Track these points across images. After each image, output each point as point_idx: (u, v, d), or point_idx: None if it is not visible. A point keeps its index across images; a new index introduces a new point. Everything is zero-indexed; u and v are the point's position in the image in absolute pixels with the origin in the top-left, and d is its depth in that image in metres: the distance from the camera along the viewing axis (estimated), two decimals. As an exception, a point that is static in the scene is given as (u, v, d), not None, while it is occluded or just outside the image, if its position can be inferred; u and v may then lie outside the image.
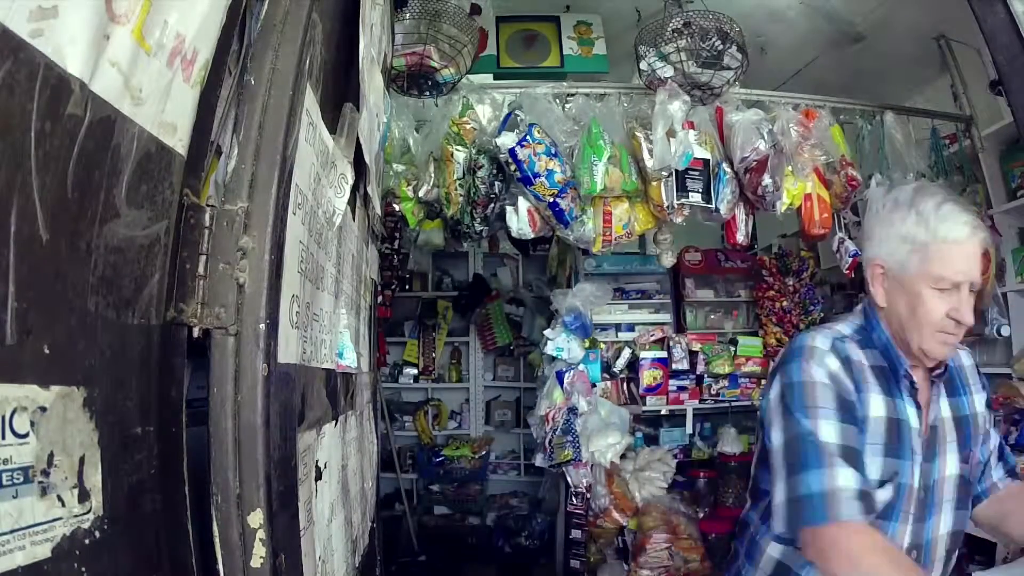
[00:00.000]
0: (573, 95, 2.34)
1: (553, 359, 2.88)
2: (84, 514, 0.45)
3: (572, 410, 2.70)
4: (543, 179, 2.06)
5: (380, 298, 2.72)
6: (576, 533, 2.98)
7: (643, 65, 2.23)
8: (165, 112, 0.56)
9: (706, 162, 2.20)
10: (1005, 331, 2.75)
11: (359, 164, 1.16)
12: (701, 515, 2.84)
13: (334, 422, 1.03)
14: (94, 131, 0.47)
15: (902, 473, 1.07)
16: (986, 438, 1.21)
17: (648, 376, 3.05)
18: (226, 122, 0.73)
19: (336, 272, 1.03)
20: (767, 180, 2.18)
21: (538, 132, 2.07)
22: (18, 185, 0.40)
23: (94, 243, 0.48)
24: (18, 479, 0.40)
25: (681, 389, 3.10)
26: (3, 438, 0.38)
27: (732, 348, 3.18)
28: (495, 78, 2.72)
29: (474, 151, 2.19)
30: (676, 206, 2.19)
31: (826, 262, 3.64)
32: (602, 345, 3.17)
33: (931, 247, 1.06)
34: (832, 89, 2.77)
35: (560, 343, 2.81)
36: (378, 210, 1.79)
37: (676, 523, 2.61)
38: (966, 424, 1.17)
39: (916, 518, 1.09)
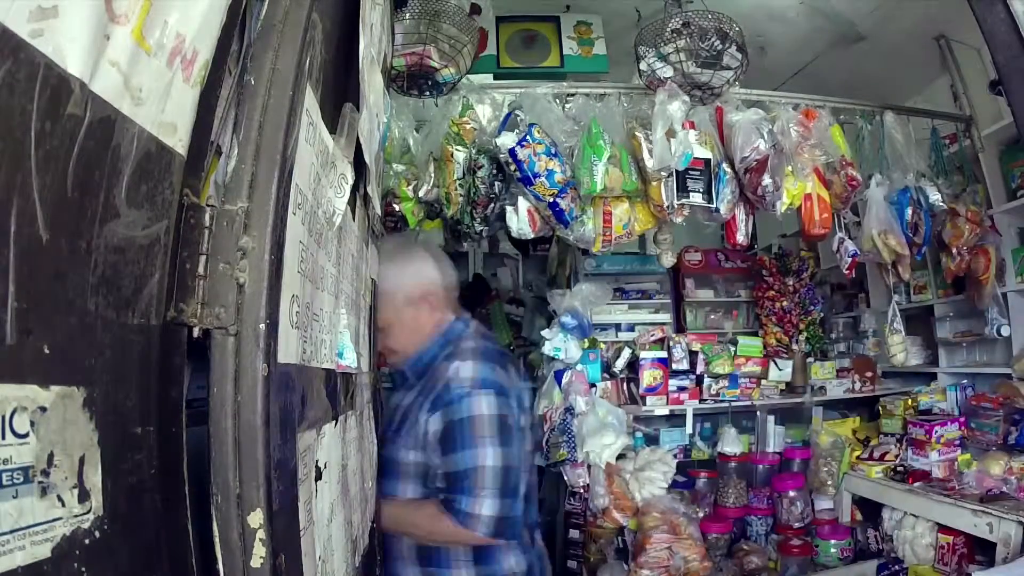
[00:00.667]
0: (573, 95, 2.34)
1: (552, 359, 2.88)
2: (84, 514, 0.45)
3: (569, 410, 2.70)
4: (543, 179, 2.06)
5: (380, 298, 2.72)
6: (574, 533, 2.98)
7: (643, 66, 2.23)
8: (165, 112, 0.56)
9: (707, 162, 2.20)
10: (1005, 331, 2.75)
11: (359, 164, 1.16)
12: (701, 515, 2.84)
13: (334, 422, 1.03)
14: (94, 131, 0.47)
15: None
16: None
17: (648, 376, 3.05)
18: (226, 122, 0.73)
19: (336, 272, 1.03)
20: (767, 180, 2.18)
21: (538, 132, 2.07)
22: (18, 185, 0.40)
23: (94, 243, 0.48)
24: (18, 479, 0.40)
25: (681, 389, 3.09)
26: (3, 438, 0.38)
27: (732, 348, 3.18)
28: (495, 78, 2.72)
29: (474, 151, 2.19)
30: (676, 206, 2.19)
31: (826, 262, 3.65)
32: (602, 345, 3.17)
33: None
34: (832, 89, 2.77)
35: (557, 343, 2.81)
36: (378, 210, 1.79)
37: (676, 523, 2.61)
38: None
39: None
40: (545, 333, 2.88)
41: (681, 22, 2.14)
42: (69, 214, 0.45)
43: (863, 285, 3.72)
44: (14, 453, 0.39)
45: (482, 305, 4.51)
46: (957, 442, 2.52)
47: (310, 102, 0.81)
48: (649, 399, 3.04)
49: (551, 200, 2.10)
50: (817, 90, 2.68)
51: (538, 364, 3.65)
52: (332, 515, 0.96)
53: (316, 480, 0.88)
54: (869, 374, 3.31)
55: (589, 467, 2.71)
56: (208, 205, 0.65)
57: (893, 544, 2.51)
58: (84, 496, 0.46)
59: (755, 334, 3.35)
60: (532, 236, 2.28)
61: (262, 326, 0.65)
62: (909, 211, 2.52)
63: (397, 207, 2.34)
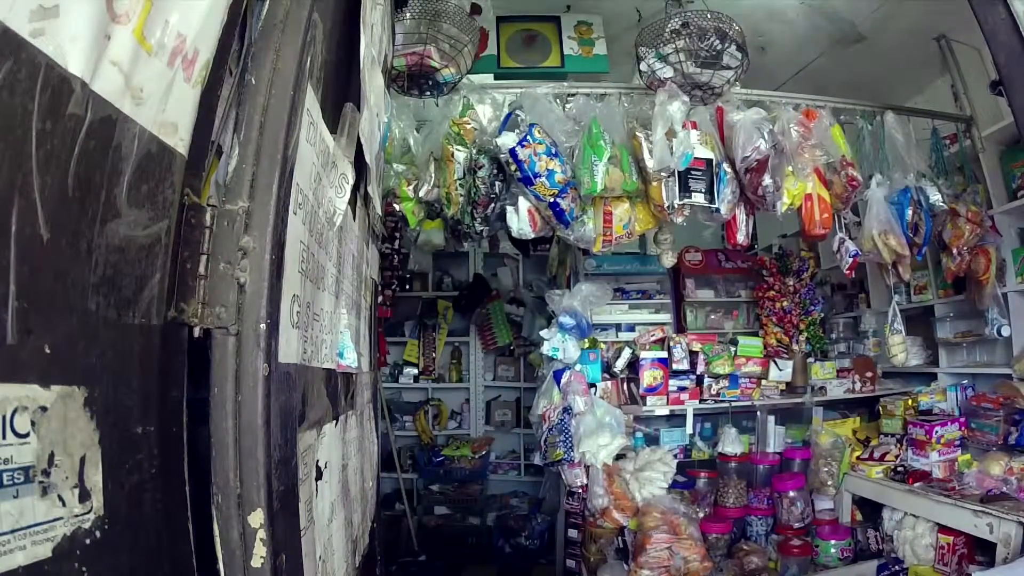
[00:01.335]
0: (573, 95, 2.34)
1: (551, 359, 2.88)
2: (85, 514, 0.45)
3: (567, 410, 2.70)
4: (543, 179, 2.06)
5: (380, 298, 2.73)
6: (573, 533, 2.98)
7: (643, 66, 2.23)
8: (166, 112, 0.56)
9: (709, 162, 2.20)
10: (1005, 331, 2.75)
11: (360, 164, 1.16)
12: (701, 515, 2.84)
13: (334, 422, 1.03)
14: (95, 131, 0.47)
15: None
16: None
17: (648, 376, 3.04)
18: (227, 122, 0.73)
19: (337, 272, 1.03)
20: (768, 180, 2.18)
21: (538, 132, 2.07)
22: (19, 185, 0.40)
23: (95, 243, 0.48)
24: (19, 479, 0.40)
25: (681, 389, 3.09)
26: (4, 438, 0.38)
27: (732, 348, 3.18)
28: (495, 78, 2.72)
29: (474, 151, 2.19)
30: (676, 206, 2.19)
31: (826, 262, 3.65)
32: (602, 345, 3.17)
33: None
34: (832, 89, 2.77)
35: (556, 344, 2.81)
36: (378, 210, 1.79)
37: (676, 523, 2.60)
38: None
39: None
40: (543, 333, 2.88)
41: (680, 22, 2.14)
42: (70, 214, 0.45)
43: (863, 285, 3.72)
44: (15, 453, 0.39)
45: (482, 305, 4.51)
46: (957, 442, 2.52)
47: (311, 102, 0.81)
48: (649, 399, 3.04)
49: (551, 200, 2.10)
50: (817, 90, 2.68)
51: (538, 364, 3.65)
52: (333, 515, 0.96)
53: (317, 480, 0.88)
54: (869, 374, 3.31)
55: (587, 467, 2.71)
56: (209, 205, 0.65)
57: (893, 544, 2.51)
58: (85, 496, 0.46)
59: (755, 334, 3.35)
60: (532, 236, 2.28)
61: (263, 326, 0.65)
62: (909, 211, 2.52)
63: (397, 207, 2.34)
